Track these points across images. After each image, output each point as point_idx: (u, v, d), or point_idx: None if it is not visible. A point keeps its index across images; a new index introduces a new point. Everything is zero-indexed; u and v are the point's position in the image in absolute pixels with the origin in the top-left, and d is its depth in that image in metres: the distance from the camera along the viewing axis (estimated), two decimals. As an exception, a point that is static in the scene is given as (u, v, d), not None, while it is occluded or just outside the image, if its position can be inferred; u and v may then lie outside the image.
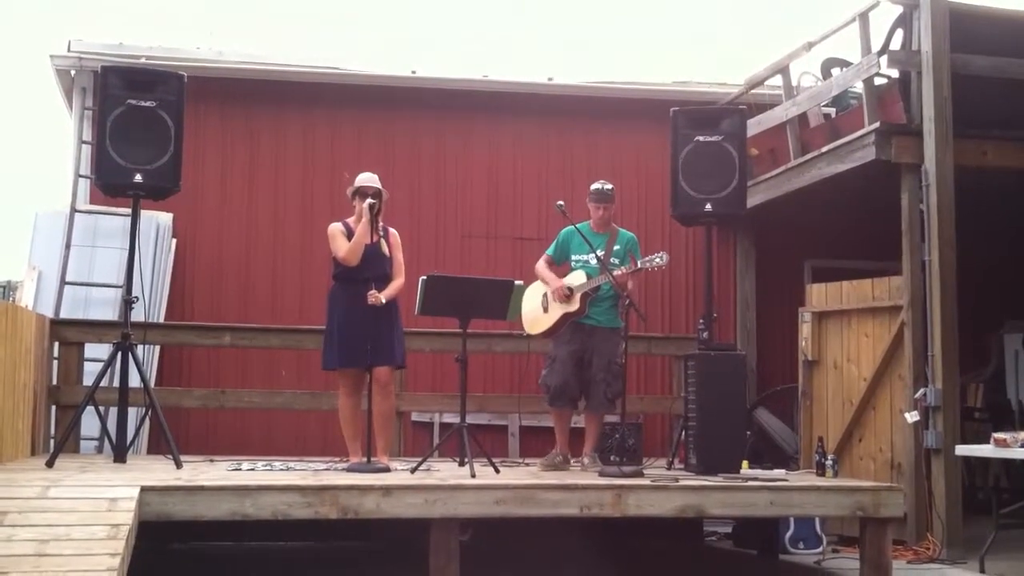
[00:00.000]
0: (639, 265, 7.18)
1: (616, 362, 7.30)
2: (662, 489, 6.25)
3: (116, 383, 7.08)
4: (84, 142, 9.48)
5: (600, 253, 7.23)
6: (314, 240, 9.40)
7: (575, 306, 7.26)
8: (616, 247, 7.38)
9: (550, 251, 7.61)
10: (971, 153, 7.97)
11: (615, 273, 7.09)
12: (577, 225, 7.42)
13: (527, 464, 7.80)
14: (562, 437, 7.45)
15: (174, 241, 9.50)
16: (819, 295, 8.71)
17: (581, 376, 7.33)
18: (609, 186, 7.51)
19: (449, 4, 20.04)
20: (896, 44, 8.23)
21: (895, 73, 8.33)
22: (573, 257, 7.46)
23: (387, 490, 5.86)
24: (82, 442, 8.35)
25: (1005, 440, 6.59)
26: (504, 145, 10.29)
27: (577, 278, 7.33)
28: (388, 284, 6.87)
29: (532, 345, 7.71)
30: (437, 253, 9.85)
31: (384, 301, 6.74)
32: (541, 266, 7.55)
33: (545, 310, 7.38)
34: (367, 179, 7.01)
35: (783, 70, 9.59)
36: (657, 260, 7.17)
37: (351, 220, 7.02)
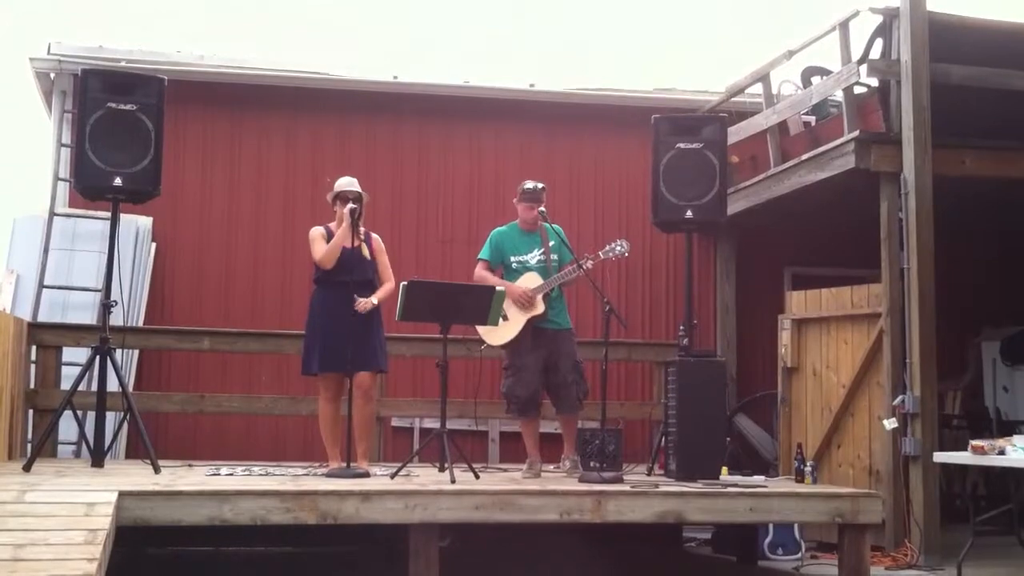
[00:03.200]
0: (601, 256, 7.18)
1: (579, 362, 7.31)
2: (642, 495, 6.26)
3: (94, 387, 7.04)
4: (63, 145, 9.43)
5: (545, 253, 7.19)
6: (295, 245, 9.38)
7: (540, 309, 7.14)
8: (552, 243, 7.30)
9: (486, 255, 7.40)
10: (950, 162, 8.01)
11: (587, 266, 7.08)
12: (506, 226, 7.41)
13: (506, 470, 7.79)
14: (535, 445, 7.36)
15: (154, 245, 9.46)
16: (799, 302, 8.74)
17: (548, 381, 7.26)
18: (541, 184, 7.37)
19: (436, 6, 20.03)
20: (876, 53, 8.27)
21: (875, 82, 8.39)
22: (512, 259, 7.32)
23: (366, 495, 5.84)
24: (59, 446, 8.33)
25: (983, 447, 6.62)
26: (486, 151, 10.29)
27: (531, 280, 7.20)
28: (369, 288, 6.88)
29: (486, 353, 7.55)
30: (418, 258, 9.84)
31: (376, 303, 6.75)
32: (485, 274, 7.35)
33: (505, 318, 7.17)
34: (346, 183, 7.01)
35: (763, 78, 9.63)
36: (618, 248, 7.15)
37: (333, 224, 7.01)
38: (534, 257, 7.28)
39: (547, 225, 7.33)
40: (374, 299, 6.78)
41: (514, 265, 7.32)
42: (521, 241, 7.34)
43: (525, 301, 7.12)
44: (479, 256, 7.46)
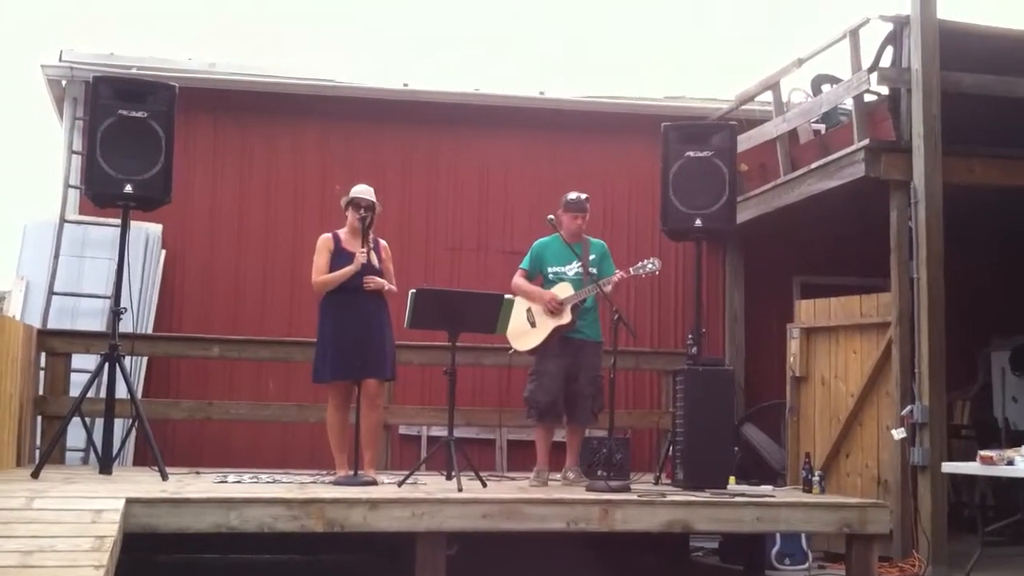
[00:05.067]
0: (631, 272, 7.19)
1: (600, 376, 7.32)
2: (649, 504, 6.26)
3: (103, 394, 7.06)
4: (74, 152, 9.47)
5: (583, 266, 7.22)
6: (304, 252, 9.28)
7: (567, 319, 7.20)
8: (592, 256, 7.36)
9: (525, 265, 7.52)
10: (959, 170, 7.99)
11: (614, 279, 7.10)
12: (549, 237, 7.46)
13: (514, 478, 7.78)
14: (546, 453, 7.39)
15: (163, 252, 9.48)
16: (807, 311, 8.72)
17: (566, 390, 7.29)
18: (585, 195, 7.47)
19: (441, 9, 20.09)
20: (886, 61, 8.25)
21: (885, 90, 8.36)
22: (549, 269, 7.40)
23: (373, 503, 5.85)
24: (68, 453, 8.34)
25: (991, 457, 6.60)
26: (495, 158, 10.30)
27: (563, 290, 7.27)
28: (378, 295, 6.92)
29: (514, 360, 7.64)
30: (427, 266, 9.86)
31: (386, 287, 6.89)
32: (521, 282, 7.45)
33: (533, 325, 7.30)
34: (362, 191, 7.03)
35: (773, 86, 9.62)
36: (649, 266, 7.18)
37: (342, 231, 7.04)
38: (571, 269, 7.32)
39: (592, 239, 7.44)
40: (385, 284, 6.90)
41: (551, 276, 7.39)
42: (561, 253, 7.38)
43: (553, 308, 7.17)
44: (520, 265, 7.55)
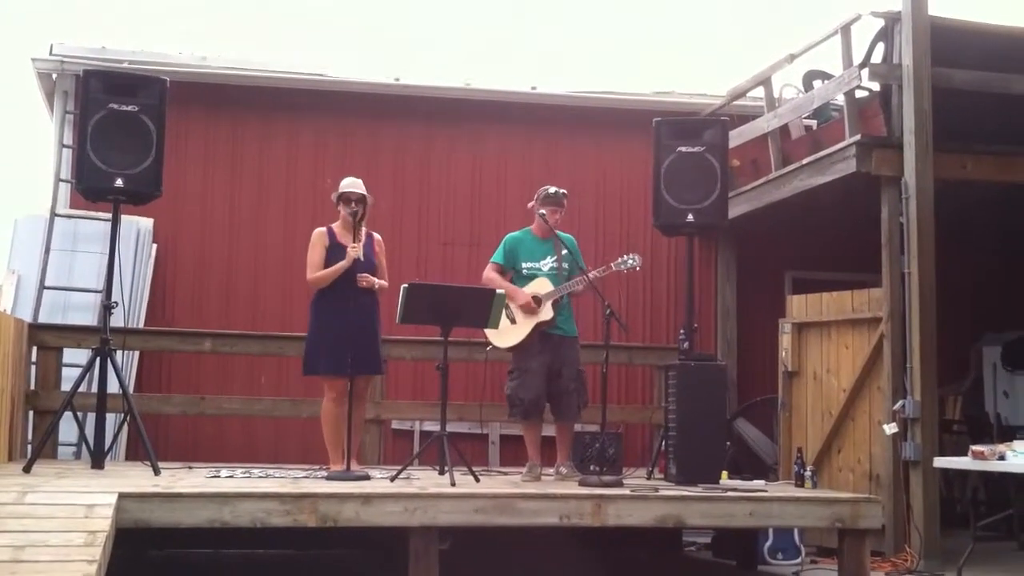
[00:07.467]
0: (612, 268, 7.20)
1: (582, 371, 7.32)
2: (642, 499, 6.26)
3: (95, 388, 7.04)
4: (65, 146, 9.43)
5: (558, 261, 7.20)
6: (296, 246, 9.33)
7: (548, 315, 7.17)
8: (564, 251, 7.34)
9: (498, 259, 7.43)
10: (951, 166, 8.01)
11: (593, 275, 7.10)
12: (520, 231, 7.45)
13: (506, 473, 7.79)
14: (536, 449, 7.38)
15: (155, 246, 9.46)
16: (799, 306, 8.74)
17: (550, 387, 7.27)
18: (563, 190, 7.44)
19: (436, 6, 20.05)
20: (877, 57, 8.28)
21: (876, 86, 8.38)
22: (523, 265, 7.36)
23: (366, 498, 5.84)
24: (60, 448, 8.31)
25: (983, 452, 6.62)
26: (488, 153, 10.29)
27: (542, 286, 7.24)
28: (370, 291, 6.95)
29: (491, 356, 7.55)
30: (419, 261, 9.85)
31: (378, 285, 6.94)
32: (494, 276, 7.38)
33: (513, 321, 7.22)
34: (351, 184, 7.03)
35: (765, 82, 9.63)
36: (630, 262, 7.19)
37: (336, 225, 7.04)
38: (546, 264, 7.31)
39: (560, 234, 7.37)
40: (377, 281, 6.94)
41: (525, 271, 7.35)
42: (535, 247, 7.36)
43: (529, 310, 7.15)
44: (492, 259, 7.49)
